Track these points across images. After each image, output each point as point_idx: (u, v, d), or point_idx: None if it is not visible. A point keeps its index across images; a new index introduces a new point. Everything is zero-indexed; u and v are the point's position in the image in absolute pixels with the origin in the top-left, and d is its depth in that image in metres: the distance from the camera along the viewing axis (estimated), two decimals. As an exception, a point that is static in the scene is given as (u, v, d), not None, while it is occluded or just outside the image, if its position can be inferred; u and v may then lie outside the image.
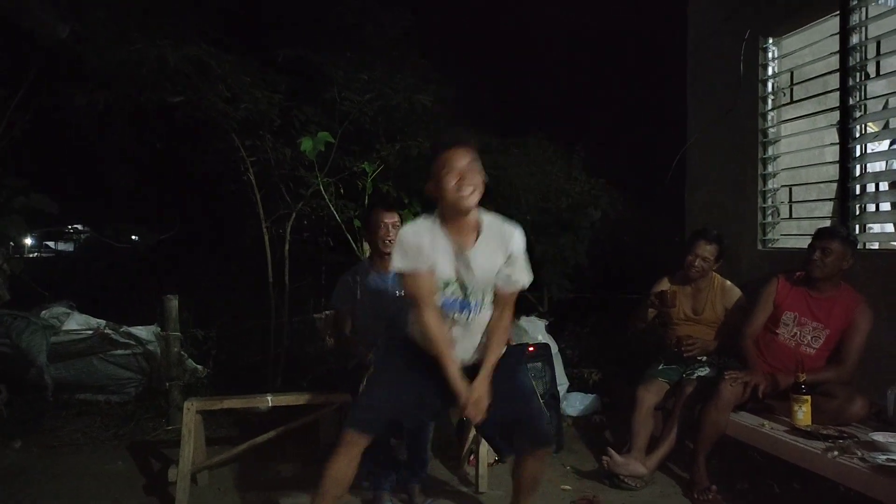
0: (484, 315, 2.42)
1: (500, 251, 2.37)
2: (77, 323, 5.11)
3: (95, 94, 4.67)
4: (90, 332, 4.99)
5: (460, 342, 2.42)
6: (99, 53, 4.55)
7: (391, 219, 3.39)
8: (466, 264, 2.34)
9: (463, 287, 2.35)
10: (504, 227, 2.41)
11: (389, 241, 3.33)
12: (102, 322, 5.13)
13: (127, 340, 5.03)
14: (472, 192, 2.28)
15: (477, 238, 2.36)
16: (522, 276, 2.43)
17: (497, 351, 2.44)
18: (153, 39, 4.44)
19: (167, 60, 4.40)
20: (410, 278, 2.35)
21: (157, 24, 4.77)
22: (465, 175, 2.27)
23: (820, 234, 3.38)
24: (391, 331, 3.48)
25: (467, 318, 2.39)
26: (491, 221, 2.41)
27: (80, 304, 5.63)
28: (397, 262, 2.35)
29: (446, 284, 2.35)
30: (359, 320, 3.49)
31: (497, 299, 2.44)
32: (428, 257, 2.32)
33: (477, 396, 2.34)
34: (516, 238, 2.40)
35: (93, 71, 4.64)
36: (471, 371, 2.43)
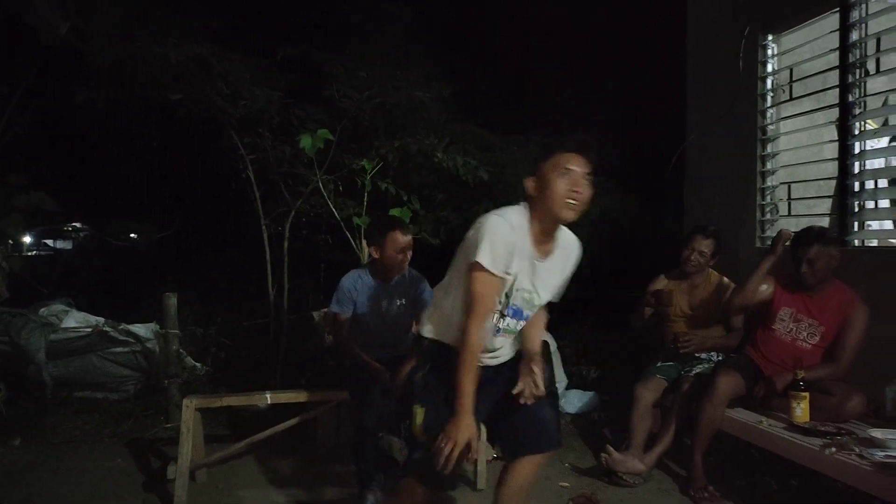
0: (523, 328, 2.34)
1: (565, 267, 2.29)
2: (75, 321, 5.12)
3: (96, 91, 4.67)
4: (89, 329, 4.99)
5: (502, 349, 2.32)
6: (100, 50, 4.54)
7: (407, 241, 3.39)
8: (537, 275, 2.20)
9: (531, 296, 2.21)
10: (573, 244, 2.31)
11: (403, 263, 3.40)
12: (101, 320, 5.14)
13: (126, 338, 5.03)
14: (579, 205, 2.11)
15: (553, 251, 2.23)
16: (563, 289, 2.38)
17: (539, 344, 2.37)
18: (154, 37, 4.44)
19: (169, 58, 4.39)
20: (489, 280, 2.08)
21: (158, 21, 4.76)
22: (579, 183, 2.10)
23: (799, 242, 3.34)
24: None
25: (511, 325, 2.27)
26: (565, 235, 2.28)
27: (78, 301, 5.65)
28: (485, 260, 2.05)
29: (519, 291, 2.18)
30: (359, 324, 3.50)
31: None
32: (515, 262, 2.12)
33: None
34: (577, 254, 2.32)
35: (94, 68, 4.64)
36: (498, 370, 2.35)
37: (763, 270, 3.44)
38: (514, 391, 2.25)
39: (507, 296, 2.19)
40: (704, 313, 3.85)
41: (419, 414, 2.21)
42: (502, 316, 2.23)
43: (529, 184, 2.19)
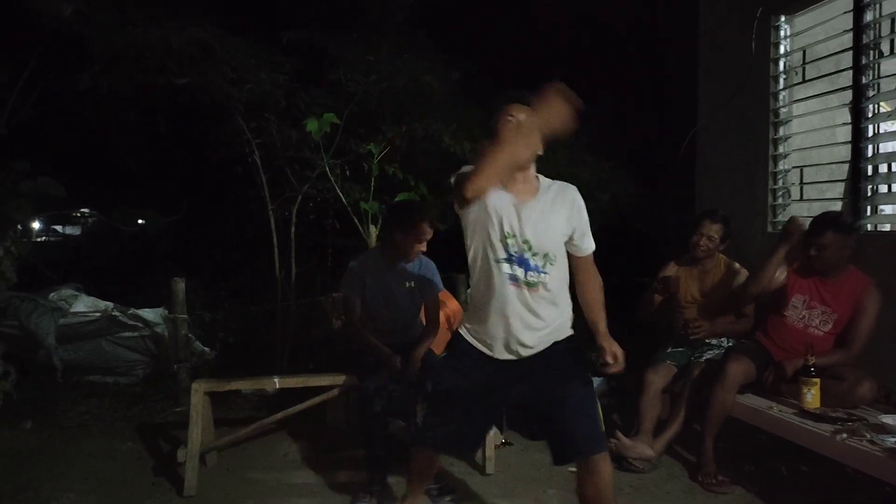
0: (547, 284, 2.30)
1: (560, 211, 2.32)
2: (85, 305, 5.15)
3: (100, 76, 4.65)
4: (98, 314, 5.02)
5: (520, 315, 2.30)
6: (103, 35, 4.52)
7: (430, 233, 3.45)
8: (522, 219, 2.27)
9: (524, 241, 2.26)
10: (562, 186, 2.37)
11: (420, 251, 3.46)
12: (110, 304, 5.16)
13: (135, 323, 5.06)
14: (531, 148, 2.24)
15: (534, 194, 2.32)
16: (588, 241, 2.40)
17: (602, 312, 2.39)
18: (157, 21, 4.41)
19: (170, 42, 4.37)
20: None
21: (162, 4, 4.73)
22: (525, 126, 2.23)
23: (813, 229, 3.31)
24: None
25: (527, 277, 2.27)
26: (549, 183, 2.38)
27: (87, 287, 5.67)
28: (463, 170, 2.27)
29: (509, 235, 2.26)
30: (367, 307, 3.50)
31: (576, 266, 2.41)
32: (491, 197, 2.25)
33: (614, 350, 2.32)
34: (576, 195, 2.37)
35: (97, 53, 4.62)
36: (523, 364, 2.34)
37: (779, 258, 3.39)
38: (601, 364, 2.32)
39: (504, 242, 2.26)
40: (715, 299, 3.83)
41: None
42: (508, 261, 2.27)
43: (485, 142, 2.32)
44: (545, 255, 2.28)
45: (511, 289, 2.27)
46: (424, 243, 3.44)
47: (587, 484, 2.32)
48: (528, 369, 2.35)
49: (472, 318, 2.42)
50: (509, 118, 2.27)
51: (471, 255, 2.35)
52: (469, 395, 2.38)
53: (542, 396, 2.34)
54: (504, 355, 2.36)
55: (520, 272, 2.27)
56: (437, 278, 3.61)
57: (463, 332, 2.45)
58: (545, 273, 2.29)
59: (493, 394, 2.40)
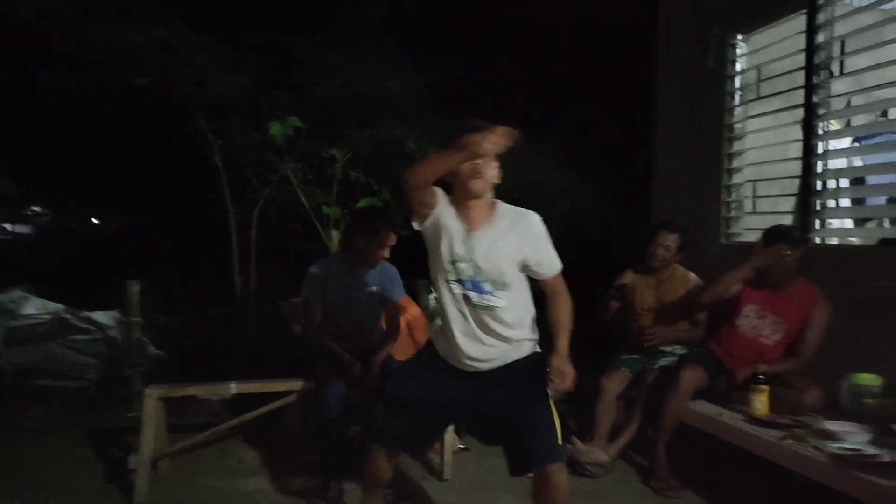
0: (500, 307, 2.36)
1: (514, 238, 2.37)
2: (35, 307, 5.01)
3: (59, 74, 4.55)
4: (48, 316, 4.89)
5: (472, 334, 2.37)
6: (63, 32, 4.42)
7: (394, 239, 3.44)
8: (472, 246, 2.34)
9: (475, 267, 2.33)
10: (519, 214, 2.42)
11: (383, 257, 3.44)
12: (61, 307, 5.04)
13: (87, 326, 4.95)
14: (484, 178, 2.33)
15: (488, 222, 2.38)
16: (551, 262, 2.45)
17: (562, 332, 2.43)
18: (119, 19, 4.34)
19: (132, 41, 4.30)
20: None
21: (124, 3, 4.65)
22: (483, 160, 2.30)
23: (781, 238, 3.40)
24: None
25: (479, 300, 2.34)
26: (507, 210, 2.43)
27: (38, 288, 5.51)
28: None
29: (460, 260, 2.34)
30: (328, 312, 3.47)
31: (545, 288, 2.48)
32: (441, 227, 2.35)
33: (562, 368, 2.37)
34: (533, 223, 2.41)
35: (57, 51, 4.52)
36: (480, 376, 2.42)
37: (738, 275, 3.48)
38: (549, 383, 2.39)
39: (455, 265, 2.34)
40: (670, 307, 3.90)
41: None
42: (460, 283, 2.34)
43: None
44: (495, 282, 2.35)
45: (465, 308, 2.37)
46: (387, 249, 3.44)
47: (543, 493, 2.35)
48: (486, 381, 2.41)
49: (435, 328, 2.52)
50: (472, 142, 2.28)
51: (431, 270, 2.45)
52: (427, 399, 2.44)
53: (500, 410, 2.39)
54: (461, 366, 2.43)
55: (473, 295, 2.36)
56: (399, 284, 3.61)
57: (433, 338, 2.55)
58: (497, 297, 2.35)
59: (451, 401, 2.45)
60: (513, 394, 2.38)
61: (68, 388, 4.90)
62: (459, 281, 2.35)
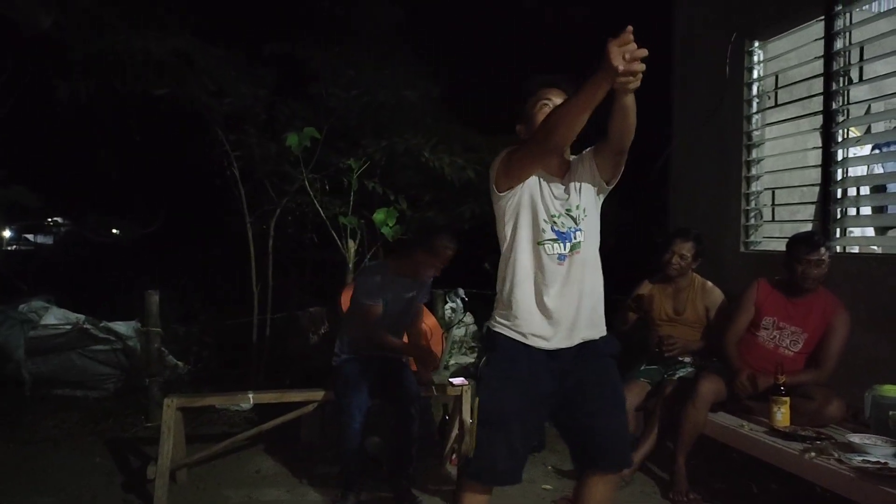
0: (582, 241, 2.19)
1: (587, 169, 2.24)
2: (55, 317, 5.06)
3: (78, 85, 4.61)
4: (69, 326, 4.94)
5: (561, 295, 2.17)
6: (82, 43, 4.48)
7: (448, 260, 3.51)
8: (567, 192, 2.21)
9: (569, 214, 2.19)
10: (584, 153, 2.27)
11: (433, 273, 3.57)
12: (81, 317, 5.08)
13: (106, 336, 4.98)
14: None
15: (568, 166, 2.25)
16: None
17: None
18: (137, 30, 4.39)
19: (150, 51, 4.35)
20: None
21: (143, 14, 4.71)
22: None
23: (808, 246, 3.32)
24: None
25: (569, 245, 2.17)
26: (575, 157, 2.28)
27: (59, 298, 5.57)
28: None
29: (556, 216, 2.17)
30: (383, 319, 3.51)
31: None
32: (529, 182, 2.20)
33: None
34: (585, 153, 2.27)
35: (76, 61, 4.58)
36: (566, 356, 2.20)
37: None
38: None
39: (554, 218, 2.18)
40: (689, 317, 3.87)
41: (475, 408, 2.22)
42: (555, 240, 2.18)
43: (520, 128, 2.29)
44: (579, 219, 2.20)
45: (555, 266, 2.17)
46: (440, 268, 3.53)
47: (591, 496, 2.23)
48: (573, 359, 2.22)
49: (520, 313, 2.20)
50: (545, 102, 2.20)
51: (507, 242, 2.22)
52: (524, 399, 2.18)
53: (585, 395, 2.20)
54: (548, 341, 2.19)
55: (564, 246, 2.18)
56: (428, 291, 3.78)
57: (506, 331, 2.22)
58: (580, 232, 2.20)
59: (547, 393, 2.21)
60: (596, 374, 2.22)
61: (87, 397, 4.95)
62: (554, 239, 2.17)
